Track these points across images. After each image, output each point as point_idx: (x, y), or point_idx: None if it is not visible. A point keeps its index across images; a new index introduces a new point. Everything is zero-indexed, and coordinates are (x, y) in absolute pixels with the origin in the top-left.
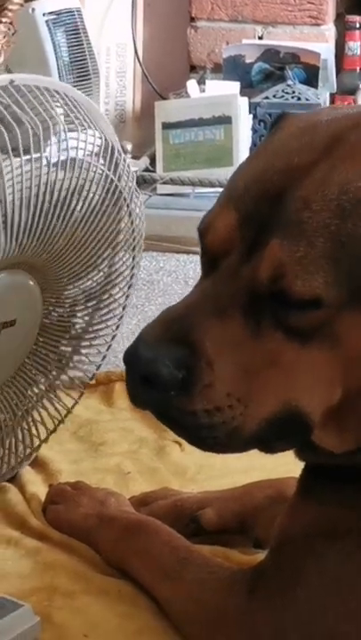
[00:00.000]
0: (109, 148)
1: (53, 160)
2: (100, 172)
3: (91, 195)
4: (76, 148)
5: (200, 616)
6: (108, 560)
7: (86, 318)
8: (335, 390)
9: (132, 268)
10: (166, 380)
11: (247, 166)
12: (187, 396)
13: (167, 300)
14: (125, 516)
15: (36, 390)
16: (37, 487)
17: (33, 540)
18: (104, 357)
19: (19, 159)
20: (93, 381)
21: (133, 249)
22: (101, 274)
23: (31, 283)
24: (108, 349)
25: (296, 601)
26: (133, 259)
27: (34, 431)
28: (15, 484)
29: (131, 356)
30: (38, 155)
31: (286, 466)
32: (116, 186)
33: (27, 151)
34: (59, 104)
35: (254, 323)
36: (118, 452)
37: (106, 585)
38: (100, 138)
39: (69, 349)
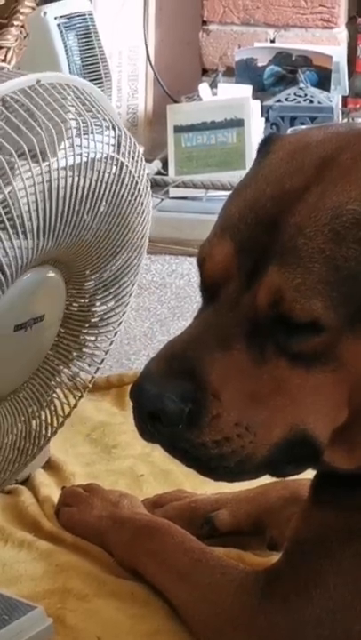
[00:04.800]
0: (128, 143)
1: (78, 160)
2: (121, 165)
3: (115, 188)
4: (101, 142)
5: (214, 618)
6: (121, 562)
7: (103, 307)
8: (342, 411)
9: (140, 256)
10: (173, 414)
11: (240, 194)
12: (195, 429)
13: (179, 303)
14: (138, 517)
15: (59, 380)
16: (50, 490)
17: (46, 542)
18: (111, 343)
19: (47, 162)
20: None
21: (142, 237)
22: (119, 263)
23: (57, 277)
24: (115, 335)
25: (311, 602)
26: (142, 247)
27: (54, 422)
28: (28, 487)
29: (136, 391)
30: (65, 154)
31: None
32: (134, 177)
33: (47, 153)
34: (84, 103)
35: (257, 351)
36: (131, 455)
37: (119, 587)
38: (120, 134)
39: (90, 338)
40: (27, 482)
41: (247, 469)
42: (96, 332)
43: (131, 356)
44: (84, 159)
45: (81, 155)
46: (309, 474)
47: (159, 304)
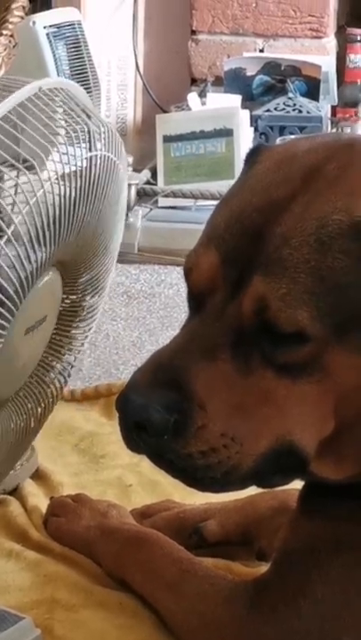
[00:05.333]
0: (116, 140)
1: (79, 163)
2: (111, 161)
3: (112, 185)
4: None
5: (202, 628)
6: (110, 572)
7: (92, 300)
8: (328, 422)
9: (119, 241)
10: (159, 424)
11: (226, 204)
12: (181, 439)
13: (168, 313)
14: (127, 527)
15: (52, 376)
16: (38, 500)
17: (34, 552)
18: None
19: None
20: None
21: (122, 225)
22: (108, 257)
23: (57, 276)
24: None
25: (300, 612)
26: (121, 234)
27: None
28: (16, 497)
29: (122, 402)
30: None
31: None
32: (119, 169)
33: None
34: (73, 109)
35: (243, 361)
36: (120, 465)
37: (107, 597)
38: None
39: (80, 332)
40: (15, 492)
41: (233, 480)
42: (85, 325)
43: (119, 366)
44: (84, 163)
45: (81, 157)
46: (298, 484)
47: (148, 314)
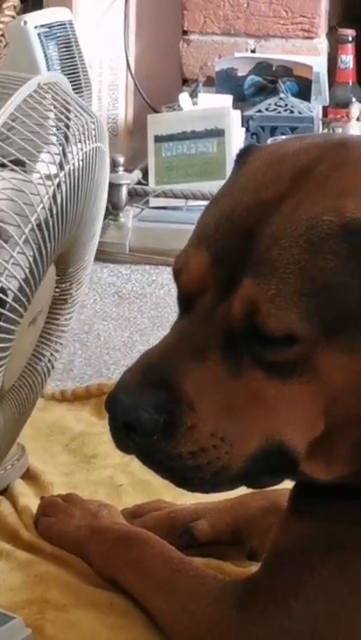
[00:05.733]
0: (102, 128)
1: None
2: (102, 151)
3: (102, 173)
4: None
5: (192, 628)
6: (100, 572)
7: (78, 289)
8: (318, 423)
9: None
10: (148, 425)
11: (216, 204)
12: (170, 440)
13: (159, 313)
14: (118, 527)
15: (43, 364)
16: (29, 500)
17: (24, 552)
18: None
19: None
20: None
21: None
22: (94, 244)
23: (52, 268)
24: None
25: (290, 613)
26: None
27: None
28: (7, 497)
29: (111, 402)
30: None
31: None
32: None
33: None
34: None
35: (233, 361)
36: (111, 465)
37: (98, 597)
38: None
39: (67, 320)
40: (5, 492)
41: (223, 480)
42: (71, 312)
43: (110, 366)
44: (83, 157)
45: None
46: (289, 484)
47: (139, 314)
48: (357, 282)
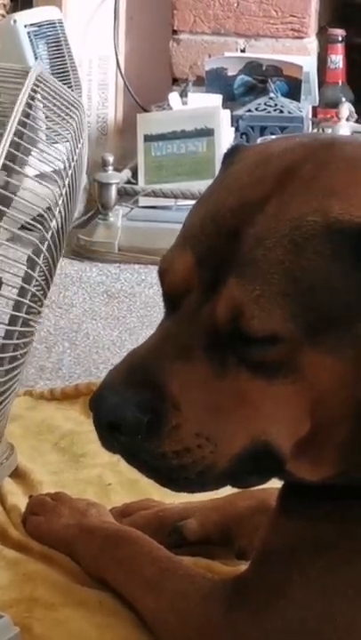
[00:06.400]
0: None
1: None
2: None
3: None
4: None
5: (181, 627)
6: (89, 571)
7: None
8: (303, 423)
9: None
10: (132, 424)
11: (202, 204)
12: (155, 439)
13: (148, 312)
14: (106, 526)
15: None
16: (17, 498)
17: (13, 551)
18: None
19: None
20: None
21: None
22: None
23: None
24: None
25: (279, 613)
26: None
27: None
28: None
29: (96, 401)
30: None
31: None
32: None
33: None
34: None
35: (218, 361)
36: (99, 464)
37: (86, 596)
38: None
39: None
40: None
41: (208, 480)
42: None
43: (99, 365)
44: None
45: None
46: (278, 483)
47: (128, 313)
48: (342, 283)
